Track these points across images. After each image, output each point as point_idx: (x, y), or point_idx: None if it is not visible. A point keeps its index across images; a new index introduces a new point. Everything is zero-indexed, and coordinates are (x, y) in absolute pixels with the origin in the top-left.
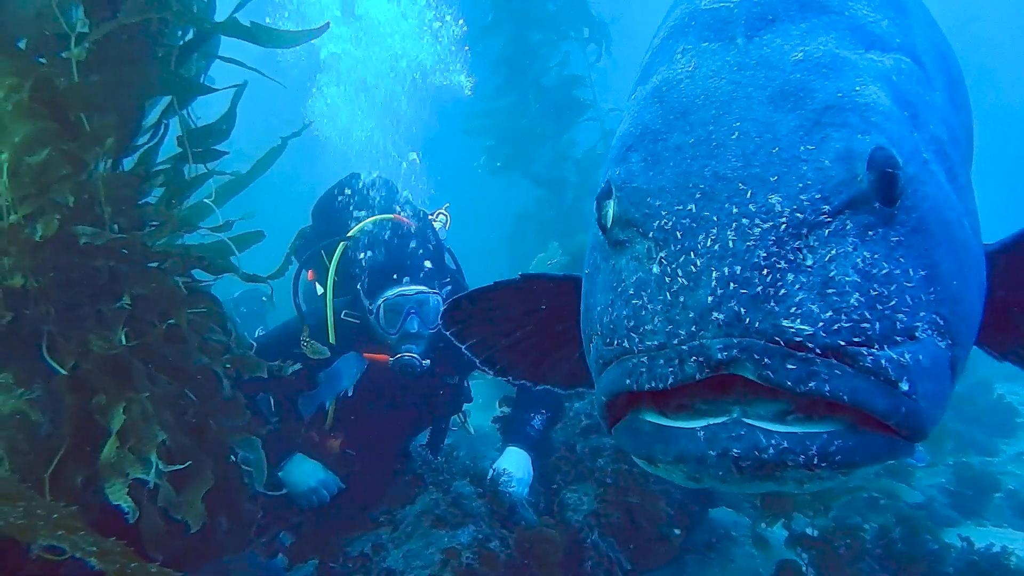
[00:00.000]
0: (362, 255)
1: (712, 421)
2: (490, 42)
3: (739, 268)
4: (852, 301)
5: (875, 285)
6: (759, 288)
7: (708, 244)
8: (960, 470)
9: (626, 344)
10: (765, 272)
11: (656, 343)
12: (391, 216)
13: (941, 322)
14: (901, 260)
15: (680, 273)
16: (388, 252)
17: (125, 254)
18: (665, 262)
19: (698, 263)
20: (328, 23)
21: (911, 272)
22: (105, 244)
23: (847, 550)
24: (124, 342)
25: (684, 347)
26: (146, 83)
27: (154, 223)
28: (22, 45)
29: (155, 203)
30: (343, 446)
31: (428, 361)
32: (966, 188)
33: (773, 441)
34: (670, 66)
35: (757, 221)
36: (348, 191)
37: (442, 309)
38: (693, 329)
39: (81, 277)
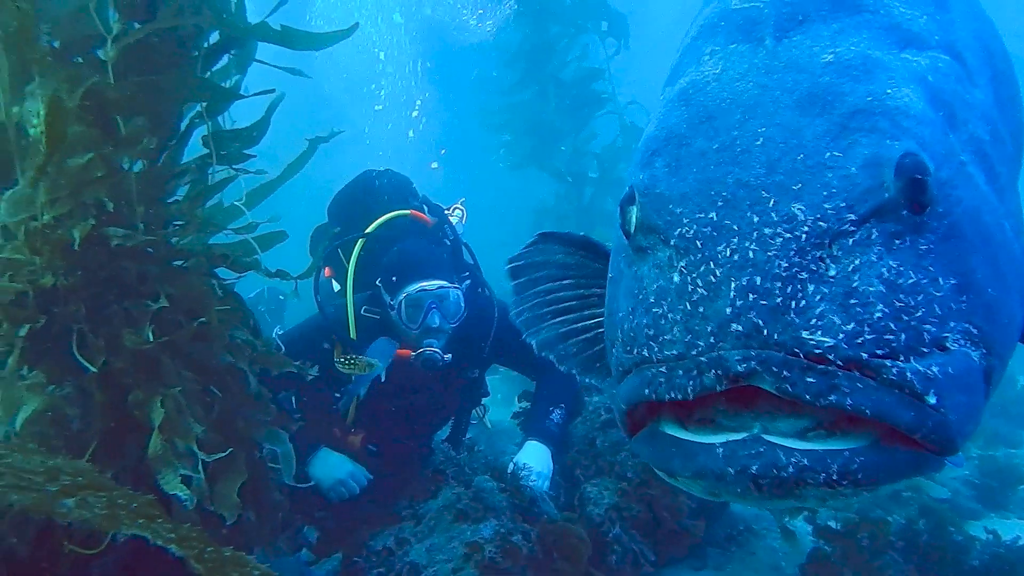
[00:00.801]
0: (380, 251)
1: (732, 437)
2: (509, 36)
3: (759, 279)
4: (876, 312)
5: (901, 295)
6: (779, 299)
7: (728, 254)
8: (984, 462)
9: (645, 353)
10: (785, 283)
11: (675, 353)
12: (408, 212)
13: (975, 331)
14: (930, 269)
15: (700, 283)
16: (407, 248)
17: (151, 253)
18: (686, 271)
19: (718, 273)
20: (357, 23)
21: (941, 281)
22: (135, 245)
23: (870, 542)
24: (151, 339)
25: (703, 358)
26: (180, 87)
27: (179, 222)
28: (56, 45)
29: (180, 201)
30: (364, 441)
31: (450, 355)
32: (1009, 188)
33: (793, 459)
34: (698, 68)
35: (779, 230)
36: (364, 188)
37: (463, 297)
38: (712, 340)
39: (109, 276)
